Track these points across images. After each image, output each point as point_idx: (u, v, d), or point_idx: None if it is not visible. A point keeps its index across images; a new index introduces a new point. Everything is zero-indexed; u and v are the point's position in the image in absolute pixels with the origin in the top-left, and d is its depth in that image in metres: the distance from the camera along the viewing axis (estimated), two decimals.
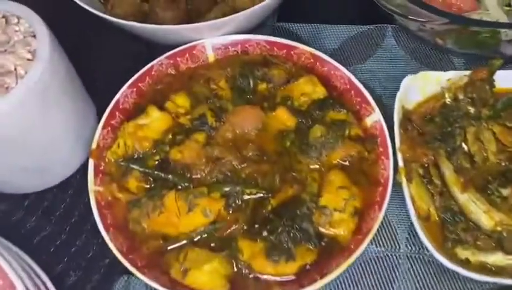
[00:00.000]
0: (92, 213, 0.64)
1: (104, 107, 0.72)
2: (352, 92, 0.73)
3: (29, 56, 0.62)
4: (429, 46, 0.86)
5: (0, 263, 0.56)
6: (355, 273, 0.66)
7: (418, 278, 0.65)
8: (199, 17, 0.81)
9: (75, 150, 0.72)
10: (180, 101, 0.73)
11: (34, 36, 0.64)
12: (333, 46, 0.88)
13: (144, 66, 0.75)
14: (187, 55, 0.78)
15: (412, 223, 0.63)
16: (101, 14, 0.74)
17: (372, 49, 0.87)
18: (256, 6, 0.73)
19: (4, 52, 0.62)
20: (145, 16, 0.80)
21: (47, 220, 0.72)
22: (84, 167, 0.72)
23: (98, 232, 0.63)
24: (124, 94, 0.73)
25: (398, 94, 0.70)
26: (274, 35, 0.78)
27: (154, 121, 0.71)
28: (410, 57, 0.86)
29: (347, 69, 0.74)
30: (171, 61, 0.77)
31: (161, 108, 0.72)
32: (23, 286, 0.55)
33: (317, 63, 0.76)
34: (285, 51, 0.78)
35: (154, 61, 0.76)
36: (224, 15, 0.80)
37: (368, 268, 0.66)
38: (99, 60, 0.86)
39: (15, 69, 0.61)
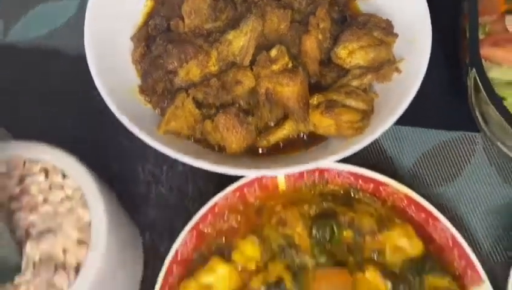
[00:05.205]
0: None
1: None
2: (456, 252, 0.62)
3: (80, 235, 0.48)
4: None
5: None
6: None
7: None
8: (266, 129, 0.67)
9: None
10: (250, 251, 0.61)
11: (84, 204, 0.50)
12: (414, 156, 0.75)
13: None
14: (255, 185, 0.64)
15: None
16: (142, 137, 0.60)
17: (459, 165, 0.75)
18: (355, 147, 0.60)
19: (48, 233, 0.48)
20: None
21: None
22: None
23: None
24: (183, 242, 0.60)
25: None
26: None
27: (220, 281, 0.59)
28: (503, 180, 0.74)
29: (429, 193, 0.67)
30: (238, 194, 0.64)
31: (223, 255, 0.61)
32: None
33: (412, 207, 0.64)
34: (372, 185, 0.65)
35: (219, 197, 0.63)
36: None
37: None
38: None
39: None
